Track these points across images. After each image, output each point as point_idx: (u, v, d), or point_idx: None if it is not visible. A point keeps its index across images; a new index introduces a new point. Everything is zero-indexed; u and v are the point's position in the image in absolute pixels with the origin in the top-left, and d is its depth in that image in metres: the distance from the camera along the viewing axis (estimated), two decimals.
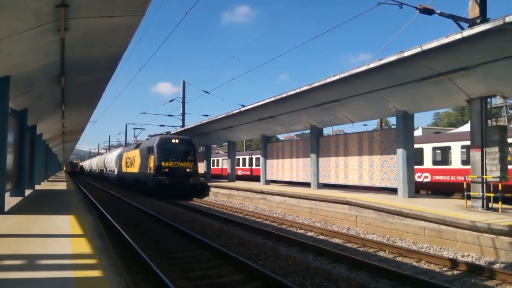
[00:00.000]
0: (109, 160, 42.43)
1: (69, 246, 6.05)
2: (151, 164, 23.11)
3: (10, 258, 5.27)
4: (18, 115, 14.13)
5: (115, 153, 40.22)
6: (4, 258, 5.25)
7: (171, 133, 28.72)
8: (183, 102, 31.13)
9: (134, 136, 35.56)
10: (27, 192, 16.47)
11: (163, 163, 22.50)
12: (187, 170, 23.12)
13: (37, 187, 21.04)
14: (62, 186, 24.97)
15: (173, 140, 23.76)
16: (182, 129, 29.03)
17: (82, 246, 6.10)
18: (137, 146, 28.33)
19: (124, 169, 31.78)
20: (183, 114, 31.18)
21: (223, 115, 21.74)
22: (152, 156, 23.16)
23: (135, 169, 27.19)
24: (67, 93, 14.09)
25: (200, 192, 24.17)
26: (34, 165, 19.89)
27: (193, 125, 26.88)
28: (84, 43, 9.15)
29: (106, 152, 65.15)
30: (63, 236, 6.92)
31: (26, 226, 7.89)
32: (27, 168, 17.05)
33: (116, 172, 36.91)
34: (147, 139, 27.93)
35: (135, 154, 27.54)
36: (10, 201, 12.53)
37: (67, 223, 8.44)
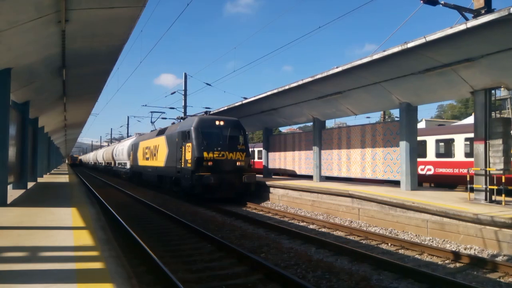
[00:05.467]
0: (119, 151, 36.53)
1: (71, 238, 6.06)
2: (188, 156, 16.84)
3: (12, 250, 5.29)
4: (20, 108, 14.13)
5: (127, 142, 34.55)
6: (6, 250, 5.27)
7: (211, 113, 21.76)
8: (185, 95, 31.01)
9: (151, 122, 28.62)
10: (30, 184, 16.55)
11: (205, 154, 16.28)
12: (238, 163, 16.95)
13: (39, 179, 21.14)
14: (65, 179, 25.04)
15: (217, 122, 17.47)
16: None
17: (84, 238, 6.11)
18: (161, 132, 22.31)
19: (140, 162, 26.19)
20: (185, 106, 31.05)
21: (225, 108, 21.67)
22: (188, 144, 16.93)
23: (159, 162, 21.44)
24: (68, 85, 14.07)
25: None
26: (37, 158, 19.95)
27: None
28: (85, 34, 9.10)
29: (109, 144, 64.64)
30: (65, 228, 6.94)
31: (28, 219, 7.92)
32: (30, 161, 17.11)
33: (128, 166, 31.50)
34: (173, 123, 22.74)
35: (159, 142, 21.78)
36: (13, 193, 12.59)
37: (69, 215, 8.47)
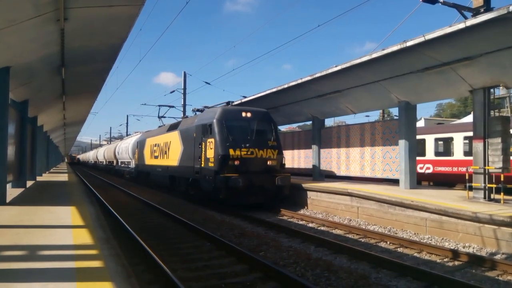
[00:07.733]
0: (122, 149, 34.12)
1: (71, 236, 6.06)
2: (210, 153, 14.26)
3: (11, 249, 5.29)
4: (19, 107, 14.11)
5: (131, 140, 31.98)
6: (5, 249, 5.27)
7: (233, 104, 18.19)
8: (184, 94, 30.98)
9: (159, 117, 26.11)
10: (29, 183, 16.53)
11: (231, 152, 13.70)
12: (269, 162, 14.35)
13: (38, 178, 21.11)
14: (64, 177, 25.01)
15: (244, 114, 14.82)
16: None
17: (84, 236, 6.11)
18: (174, 126, 19.59)
19: (148, 161, 23.76)
20: (184, 105, 31.01)
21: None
22: (210, 140, 14.34)
23: (171, 161, 18.79)
24: (67, 84, 14.05)
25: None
26: (35, 156, 19.93)
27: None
28: (84, 33, 9.10)
29: (108, 143, 64.40)
30: (64, 227, 6.94)
31: (27, 217, 7.91)
32: (29, 159, 17.10)
33: (133, 165, 29.24)
34: (186, 117, 20.59)
35: (171, 138, 19.08)
36: (12, 192, 12.57)
37: (69, 214, 8.47)
